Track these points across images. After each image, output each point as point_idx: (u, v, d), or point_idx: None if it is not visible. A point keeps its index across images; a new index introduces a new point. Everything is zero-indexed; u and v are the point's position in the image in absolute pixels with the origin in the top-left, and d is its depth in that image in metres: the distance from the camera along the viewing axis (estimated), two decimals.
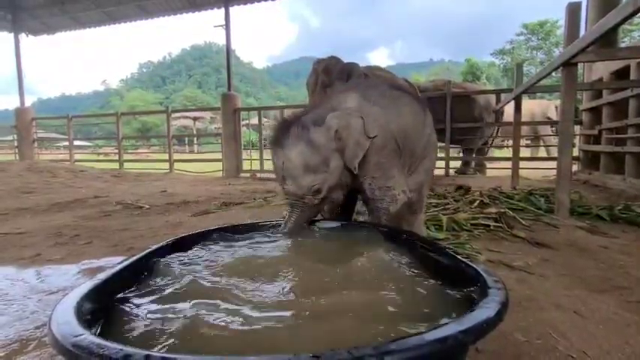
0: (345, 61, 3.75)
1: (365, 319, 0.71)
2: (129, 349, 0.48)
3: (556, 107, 10.35)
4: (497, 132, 7.22)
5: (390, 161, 1.59)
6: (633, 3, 1.86)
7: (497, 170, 6.59)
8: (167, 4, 8.99)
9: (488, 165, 7.22)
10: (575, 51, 2.52)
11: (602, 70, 4.76)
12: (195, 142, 19.36)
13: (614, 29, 2.19)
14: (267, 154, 7.99)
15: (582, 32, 2.74)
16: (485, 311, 0.58)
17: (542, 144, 9.09)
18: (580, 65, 5.14)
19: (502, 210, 2.59)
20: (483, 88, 9.06)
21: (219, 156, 7.88)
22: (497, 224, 2.40)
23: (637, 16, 1.97)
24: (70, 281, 1.67)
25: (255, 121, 8.75)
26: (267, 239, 1.36)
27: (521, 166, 4.88)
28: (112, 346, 0.48)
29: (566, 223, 2.57)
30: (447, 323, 0.53)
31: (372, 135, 1.49)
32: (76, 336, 0.52)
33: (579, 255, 1.93)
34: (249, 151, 8.50)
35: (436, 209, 2.73)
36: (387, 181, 1.58)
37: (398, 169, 1.63)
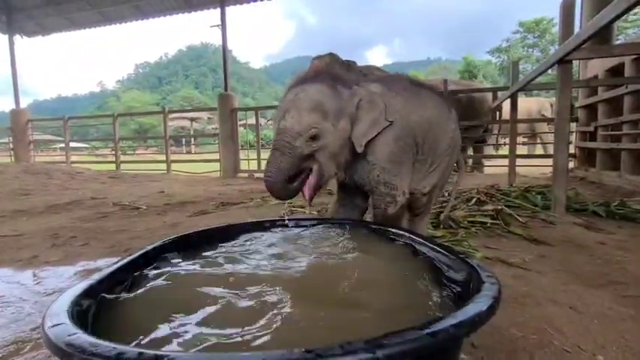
0: (344, 59, 3.75)
1: (362, 315, 0.72)
2: (122, 347, 0.48)
3: (551, 105, 10.44)
4: (499, 130, 7.23)
5: (402, 156, 1.52)
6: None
7: (494, 168, 6.61)
8: (163, 5, 8.97)
9: (486, 163, 7.26)
10: (570, 48, 2.53)
11: (598, 67, 4.78)
12: (192, 142, 19.32)
13: (608, 26, 2.20)
14: (265, 154, 8.00)
15: (577, 30, 2.75)
16: (477, 305, 0.58)
17: (539, 141, 9.13)
18: (575, 63, 5.18)
19: (499, 207, 2.60)
20: (481, 86, 9.07)
21: (216, 156, 7.87)
22: (495, 221, 2.41)
23: (632, 13, 1.98)
24: (67, 283, 1.67)
25: (252, 121, 8.75)
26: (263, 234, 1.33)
27: (518, 163, 4.90)
28: (105, 345, 0.48)
29: (562, 219, 2.58)
30: (439, 318, 0.54)
31: (391, 119, 1.43)
32: (70, 335, 0.52)
33: (576, 251, 1.94)
34: (246, 151, 8.49)
35: (433, 207, 2.74)
36: (393, 178, 1.50)
37: (408, 167, 1.56)
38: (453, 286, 0.85)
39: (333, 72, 1.44)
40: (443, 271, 0.93)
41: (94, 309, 0.72)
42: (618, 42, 6.73)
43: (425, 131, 1.57)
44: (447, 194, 3.25)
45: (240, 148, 7.90)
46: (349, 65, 3.73)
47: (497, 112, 6.51)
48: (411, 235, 1.17)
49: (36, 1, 9.06)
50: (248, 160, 8.20)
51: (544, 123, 9.01)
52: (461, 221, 2.39)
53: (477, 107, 6.73)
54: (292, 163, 1.31)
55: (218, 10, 8.04)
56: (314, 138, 1.31)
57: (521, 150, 6.64)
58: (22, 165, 7.93)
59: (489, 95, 6.70)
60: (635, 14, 18.53)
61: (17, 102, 9.87)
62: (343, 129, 1.38)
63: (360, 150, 1.41)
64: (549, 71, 3.54)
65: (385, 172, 1.48)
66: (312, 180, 1.38)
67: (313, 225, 1.37)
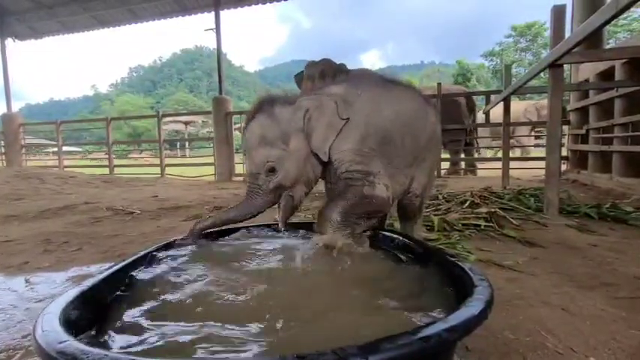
0: (337, 63, 3.76)
1: (359, 317, 0.72)
2: (113, 354, 0.48)
3: (536, 108, 10.62)
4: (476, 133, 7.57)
5: (373, 155, 1.39)
6: (615, 5, 1.90)
7: (488, 171, 6.67)
8: (157, 8, 8.96)
9: (480, 165, 7.37)
10: (561, 53, 2.56)
11: (589, 71, 4.85)
12: (186, 146, 19.24)
13: (598, 31, 2.24)
14: None
15: (568, 34, 2.79)
16: (469, 309, 0.58)
17: (516, 144, 9.32)
18: (567, 66, 5.25)
19: (492, 210, 2.61)
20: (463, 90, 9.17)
21: (211, 160, 7.84)
22: (488, 224, 2.42)
23: (622, 17, 2.02)
24: (59, 289, 1.65)
25: None
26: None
27: (511, 166, 4.95)
28: (97, 352, 0.48)
29: (555, 221, 2.60)
30: (431, 322, 0.54)
31: (345, 117, 1.35)
32: (61, 342, 0.51)
33: (568, 253, 1.95)
34: (241, 154, 8.46)
35: (427, 210, 2.75)
36: (366, 167, 1.36)
37: (382, 165, 1.41)
38: (447, 290, 0.86)
39: (270, 98, 1.39)
40: (437, 274, 0.94)
41: (87, 315, 0.71)
42: (609, 46, 6.85)
43: (401, 126, 1.47)
44: (441, 197, 3.28)
45: (235, 151, 7.88)
46: (339, 69, 3.73)
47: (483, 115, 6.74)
48: (405, 239, 1.18)
49: (28, 4, 8.99)
50: (243, 163, 8.17)
51: (521, 127, 9.22)
52: (455, 224, 2.40)
53: (450, 110, 6.86)
54: (264, 201, 1.36)
55: (212, 14, 8.04)
56: (272, 170, 1.32)
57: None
58: (14, 169, 7.84)
59: (463, 99, 7.02)
60: (625, 19, 18.83)
61: (9, 106, 9.79)
62: (297, 148, 1.34)
63: (325, 158, 1.36)
64: (541, 74, 3.58)
65: (355, 164, 1.36)
66: (281, 211, 1.40)
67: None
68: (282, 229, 1.41)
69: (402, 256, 1.22)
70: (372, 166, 1.37)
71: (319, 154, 1.35)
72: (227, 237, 1.43)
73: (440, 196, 3.28)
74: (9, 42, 9.87)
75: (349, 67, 3.89)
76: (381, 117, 1.43)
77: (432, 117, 1.65)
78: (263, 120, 1.33)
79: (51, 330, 0.55)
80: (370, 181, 1.34)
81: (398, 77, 1.71)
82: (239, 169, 7.92)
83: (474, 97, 7.78)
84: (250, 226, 1.51)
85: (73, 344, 0.51)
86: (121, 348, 0.62)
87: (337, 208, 1.29)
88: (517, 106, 9.95)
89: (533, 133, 9.59)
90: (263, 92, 1.49)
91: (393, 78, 1.65)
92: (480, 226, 2.39)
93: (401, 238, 1.32)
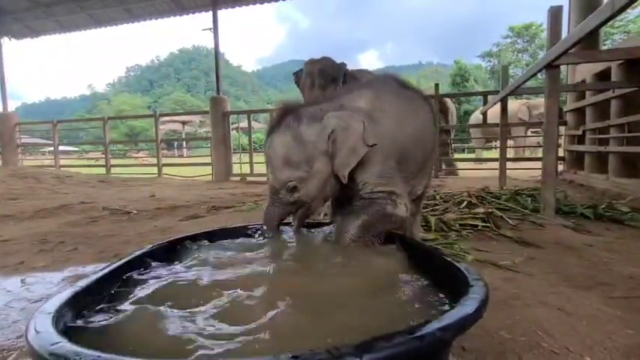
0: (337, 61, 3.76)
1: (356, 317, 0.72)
2: (106, 356, 0.47)
3: (527, 107, 10.65)
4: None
5: (395, 174, 1.43)
6: (611, 6, 1.91)
7: (485, 171, 6.69)
8: (154, 8, 8.93)
9: (477, 165, 7.41)
10: (557, 53, 2.57)
11: (586, 72, 4.87)
12: (184, 146, 19.19)
13: (594, 32, 2.25)
14: (257, 158, 7.99)
15: (565, 35, 2.80)
16: (464, 308, 0.58)
17: (513, 144, 9.35)
18: (564, 67, 5.28)
19: (490, 210, 2.62)
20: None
21: (208, 160, 7.83)
22: (485, 224, 2.43)
23: (618, 19, 2.03)
24: (54, 289, 1.64)
25: (244, 124, 8.72)
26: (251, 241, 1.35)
27: (508, 166, 4.97)
28: (89, 353, 0.47)
29: (552, 222, 2.61)
30: (426, 321, 0.54)
31: (371, 143, 1.31)
32: (53, 344, 0.51)
33: (564, 253, 1.96)
34: (238, 154, 8.46)
35: (425, 210, 2.75)
36: (392, 187, 1.40)
37: (402, 184, 1.45)
38: (443, 290, 0.86)
39: (297, 112, 1.36)
40: (433, 273, 0.94)
41: (81, 316, 0.70)
42: (605, 47, 6.89)
43: (417, 141, 1.53)
44: (438, 197, 3.28)
45: (232, 151, 7.87)
46: (344, 71, 3.72)
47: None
48: (403, 239, 1.18)
49: (25, 3, 8.93)
50: (240, 163, 8.17)
51: (518, 126, 9.26)
52: (452, 224, 2.41)
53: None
54: (283, 210, 1.40)
55: (210, 13, 8.03)
56: (293, 190, 1.34)
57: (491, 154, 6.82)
58: (10, 169, 7.79)
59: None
60: (621, 21, 18.96)
61: (5, 105, 9.73)
62: (320, 170, 1.35)
63: (345, 181, 1.34)
64: (538, 75, 3.60)
65: (380, 186, 1.39)
66: (297, 219, 1.46)
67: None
68: (295, 231, 1.47)
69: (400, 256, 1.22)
70: (395, 186, 1.41)
71: (340, 176, 1.34)
72: (226, 237, 1.42)
73: (437, 197, 3.29)
74: (5, 41, 9.83)
75: (348, 67, 3.89)
76: (403, 135, 1.45)
77: (434, 124, 1.71)
78: (288, 140, 1.32)
79: (43, 331, 0.55)
80: (393, 200, 1.38)
81: (408, 81, 1.73)
82: (236, 169, 7.91)
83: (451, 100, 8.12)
84: (249, 226, 1.51)
85: (66, 346, 0.50)
86: (115, 349, 0.62)
87: (358, 222, 1.32)
88: (510, 105, 10.01)
89: (529, 134, 9.63)
90: (285, 100, 1.49)
91: (405, 82, 1.67)
92: (477, 226, 2.40)
93: (399, 238, 1.32)
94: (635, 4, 1.87)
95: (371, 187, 1.38)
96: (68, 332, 0.63)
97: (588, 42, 4.16)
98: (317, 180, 1.36)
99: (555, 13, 2.83)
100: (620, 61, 3.92)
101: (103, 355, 0.47)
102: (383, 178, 1.39)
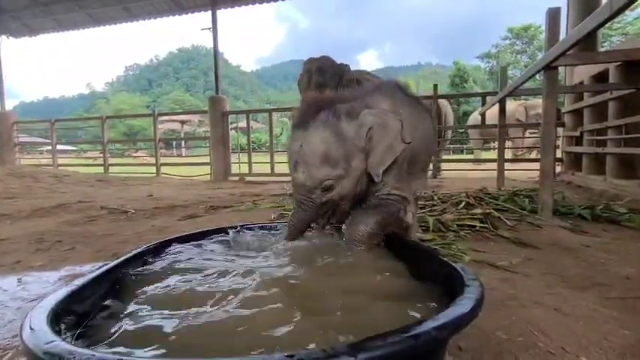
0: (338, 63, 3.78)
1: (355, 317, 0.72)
2: (101, 355, 0.47)
3: (525, 108, 10.68)
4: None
5: (406, 178, 1.44)
6: (609, 8, 1.92)
7: (483, 172, 6.70)
8: (152, 7, 8.92)
9: (476, 166, 7.43)
10: (556, 55, 2.58)
11: (584, 73, 4.88)
12: (182, 145, 19.16)
13: (592, 34, 2.25)
14: (256, 158, 7.98)
15: (563, 37, 2.81)
16: (459, 307, 0.58)
17: (511, 145, 9.36)
18: (562, 69, 5.29)
19: (487, 211, 2.62)
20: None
21: (207, 159, 7.82)
22: (483, 225, 2.43)
23: (616, 21, 2.03)
24: (51, 288, 1.63)
25: (243, 124, 8.71)
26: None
27: (506, 167, 4.98)
28: (84, 352, 0.47)
29: (549, 223, 2.62)
30: (421, 320, 0.54)
31: (408, 141, 1.31)
32: (47, 343, 0.51)
33: (562, 254, 1.96)
34: (237, 154, 8.46)
35: (423, 211, 2.76)
36: (404, 193, 1.41)
37: (410, 189, 1.48)
38: (439, 289, 0.86)
39: (335, 107, 1.31)
40: (429, 273, 0.94)
41: (76, 315, 0.70)
42: (603, 49, 6.91)
43: (423, 146, 1.54)
44: (436, 198, 3.29)
45: (231, 151, 7.86)
46: (343, 71, 3.73)
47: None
48: (400, 240, 1.18)
49: (23, 1, 8.91)
50: (239, 163, 8.16)
51: (516, 128, 9.28)
52: (450, 225, 2.41)
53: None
54: (314, 214, 1.32)
55: (209, 13, 8.02)
56: (329, 189, 1.27)
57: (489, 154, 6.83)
58: (8, 168, 7.77)
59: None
60: (619, 22, 19.01)
61: (3, 104, 9.71)
62: (357, 168, 1.30)
63: (377, 180, 1.32)
64: (537, 76, 3.61)
65: (396, 189, 1.40)
66: (323, 220, 1.39)
67: None
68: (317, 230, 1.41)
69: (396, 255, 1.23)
70: (406, 192, 1.41)
71: (373, 175, 1.32)
72: (223, 236, 1.42)
73: (435, 197, 3.29)
74: (3, 39, 9.82)
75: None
76: (414, 139, 1.41)
77: (434, 127, 1.78)
78: (329, 136, 1.25)
79: (38, 330, 0.55)
80: (404, 206, 1.39)
81: (408, 85, 1.74)
82: (235, 168, 7.90)
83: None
84: (246, 226, 1.51)
85: (60, 344, 0.50)
86: (110, 348, 0.62)
87: (377, 218, 1.31)
88: (508, 106, 10.02)
89: (527, 135, 9.65)
90: (313, 93, 1.42)
91: (406, 87, 1.67)
92: (475, 226, 2.40)
93: (397, 238, 1.33)
94: (634, 5, 1.87)
95: (389, 188, 1.37)
96: (63, 331, 0.62)
97: (586, 44, 4.19)
98: (352, 178, 1.31)
99: (553, 15, 2.84)
100: (618, 63, 3.93)
101: (97, 354, 0.47)
102: (399, 181, 1.40)
